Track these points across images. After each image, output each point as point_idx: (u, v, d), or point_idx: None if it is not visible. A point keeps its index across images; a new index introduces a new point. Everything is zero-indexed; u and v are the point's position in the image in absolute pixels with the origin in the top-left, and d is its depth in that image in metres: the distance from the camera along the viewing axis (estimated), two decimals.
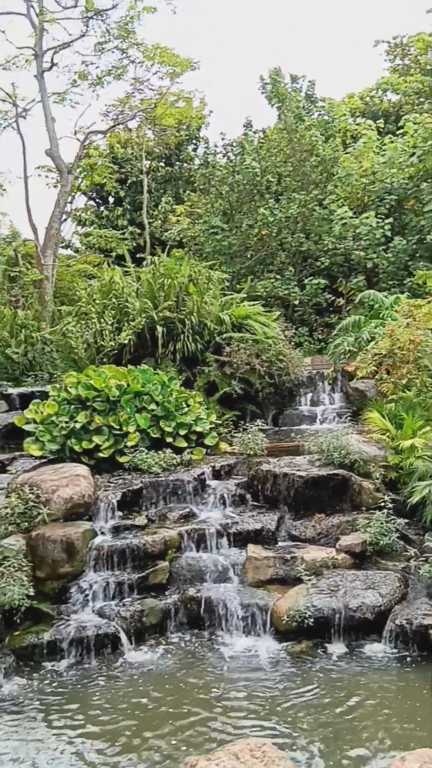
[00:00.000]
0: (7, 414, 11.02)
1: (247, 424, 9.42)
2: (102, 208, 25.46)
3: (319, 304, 16.57)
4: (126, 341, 10.78)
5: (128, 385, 9.11)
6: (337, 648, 6.16)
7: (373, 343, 9.82)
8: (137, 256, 20.86)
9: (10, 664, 5.99)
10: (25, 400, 11.37)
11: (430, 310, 9.32)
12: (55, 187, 20.51)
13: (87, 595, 6.67)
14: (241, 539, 7.43)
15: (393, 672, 5.79)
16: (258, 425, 9.25)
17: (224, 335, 11.70)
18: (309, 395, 12.34)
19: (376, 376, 9.27)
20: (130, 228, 22.71)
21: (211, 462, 8.81)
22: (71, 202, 20.00)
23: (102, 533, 7.27)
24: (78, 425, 8.64)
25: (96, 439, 8.61)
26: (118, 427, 8.73)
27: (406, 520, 7.33)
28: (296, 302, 16.09)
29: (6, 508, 7.31)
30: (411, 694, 5.45)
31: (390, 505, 7.29)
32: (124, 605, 6.58)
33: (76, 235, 24.97)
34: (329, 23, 38.35)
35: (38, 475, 7.82)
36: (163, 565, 6.97)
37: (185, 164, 25.52)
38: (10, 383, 12.30)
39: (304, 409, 12.15)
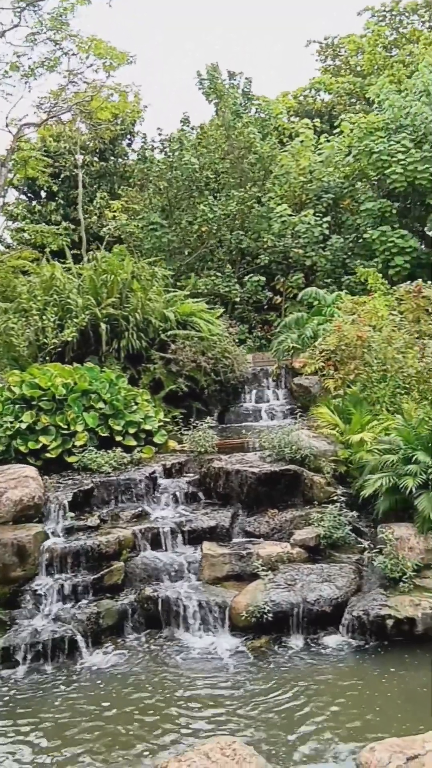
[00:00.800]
0: None
1: (197, 422, 9.38)
2: (34, 203, 24.87)
3: (259, 301, 16.67)
4: (70, 338, 10.56)
5: (75, 383, 8.93)
6: (296, 641, 6.20)
7: (320, 339, 9.95)
8: (72, 252, 20.53)
9: None
10: None
11: (374, 306, 9.49)
12: None
13: (41, 599, 6.51)
14: (195, 537, 7.40)
15: (352, 663, 5.87)
16: (208, 423, 9.22)
17: (169, 332, 11.62)
18: (254, 392, 12.43)
19: (323, 372, 9.37)
20: (64, 223, 22.26)
21: (161, 460, 8.73)
22: (4, 197, 19.42)
23: (54, 535, 7.10)
24: (23, 425, 8.42)
25: (43, 439, 8.40)
26: (65, 426, 8.54)
27: (358, 513, 7.44)
28: (237, 299, 16.13)
29: None
30: (371, 683, 5.54)
31: (342, 499, 7.40)
32: (79, 608, 6.46)
33: (7, 230, 24.31)
34: (269, 25, 38.69)
35: None
36: (118, 565, 6.87)
37: (120, 159, 25.21)
38: None
39: (249, 406, 12.22)
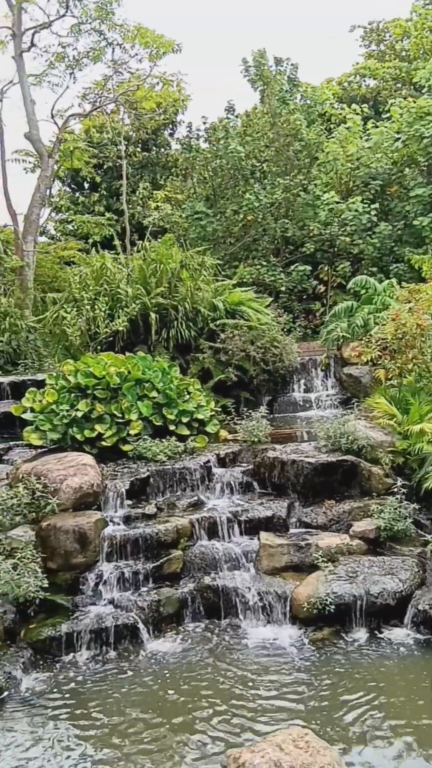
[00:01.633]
0: (0, 403, 10.76)
1: (249, 411, 9.32)
2: (77, 194, 25.02)
3: (304, 290, 16.52)
4: (121, 328, 10.58)
5: (129, 372, 8.94)
6: (359, 634, 6.13)
7: (376, 328, 9.79)
8: (113, 243, 20.61)
9: (27, 658, 5.84)
10: (15, 389, 11.14)
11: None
12: (33, 171, 20.04)
13: (102, 586, 6.54)
14: (251, 527, 7.36)
15: (418, 656, 5.78)
16: (261, 412, 9.16)
17: (218, 322, 11.58)
18: (302, 382, 12.32)
19: (378, 362, 9.22)
20: (108, 214, 22.36)
21: (214, 450, 8.70)
22: (50, 188, 19.55)
23: (113, 522, 7.13)
24: (80, 414, 8.46)
25: (98, 428, 8.44)
26: (120, 415, 8.56)
27: (418, 505, 7.31)
28: (282, 289, 15.99)
29: (12, 498, 7.12)
30: None
31: (402, 491, 7.27)
32: (140, 595, 6.47)
33: (51, 221, 24.51)
34: (311, 12, 38.17)
35: (42, 465, 7.62)
36: (176, 554, 6.87)
37: (162, 149, 25.20)
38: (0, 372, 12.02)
39: (298, 395, 12.12)
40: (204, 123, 18.65)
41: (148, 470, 7.91)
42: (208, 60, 36.16)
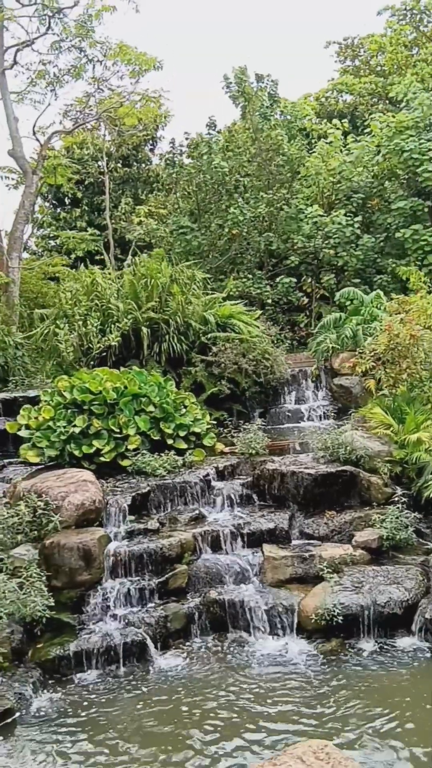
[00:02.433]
0: None
1: (246, 424, 9.37)
2: (59, 210, 25.02)
3: (290, 302, 16.64)
4: (114, 343, 10.57)
5: (125, 387, 8.93)
6: (367, 644, 6.16)
7: (370, 339, 9.90)
8: (96, 258, 20.60)
9: (37, 678, 5.78)
10: (7, 406, 11.05)
11: (422, 306, 9.44)
12: (16, 188, 20.04)
13: (107, 603, 6.50)
14: (254, 539, 7.37)
15: (427, 665, 5.81)
16: (258, 424, 9.20)
17: (209, 335, 11.62)
18: (293, 393, 12.39)
19: (372, 372, 9.32)
20: (90, 230, 22.38)
21: (212, 463, 8.72)
22: (34, 204, 19.50)
23: (116, 538, 7.10)
24: (77, 430, 8.44)
25: (96, 443, 8.41)
26: (117, 430, 8.55)
27: (419, 514, 7.37)
28: (268, 301, 16.10)
29: (13, 517, 7.07)
30: None
31: (403, 500, 7.33)
32: (147, 611, 6.45)
33: (32, 237, 24.46)
34: (285, 29, 38.61)
35: (42, 482, 7.58)
36: (181, 568, 6.85)
37: (143, 164, 25.31)
38: None
39: (290, 407, 12.18)
40: (186, 138, 18.79)
41: (148, 485, 7.90)
42: (187, 65, 36.45)
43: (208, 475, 8.27)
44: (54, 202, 25.32)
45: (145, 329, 11.15)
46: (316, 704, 5.35)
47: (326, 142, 17.99)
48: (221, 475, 8.51)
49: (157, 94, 18.48)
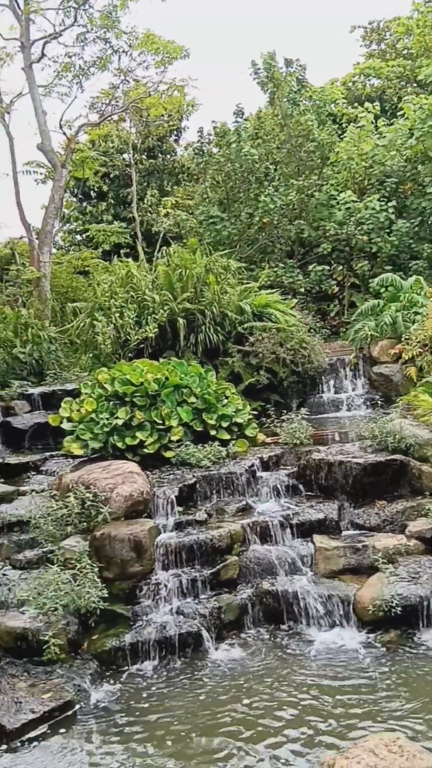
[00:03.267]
0: (31, 414, 10.70)
1: (291, 414, 9.25)
2: (84, 204, 25.02)
3: (322, 291, 16.44)
4: (152, 335, 10.51)
5: (166, 378, 8.87)
6: (427, 635, 6.03)
7: (415, 325, 9.72)
8: (122, 251, 20.55)
9: (94, 670, 5.75)
10: (46, 400, 11.09)
11: None
12: (44, 183, 20.05)
13: (160, 594, 6.44)
14: (303, 530, 7.27)
15: None
16: (302, 414, 9.09)
17: (246, 325, 11.51)
18: (331, 382, 12.25)
19: (418, 359, 9.14)
20: (116, 222, 22.35)
21: (256, 453, 8.63)
22: (63, 198, 19.50)
23: (165, 530, 7.05)
24: (120, 422, 8.40)
25: (139, 435, 8.37)
26: (160, 421, 8.49)
27: None
28: (301, 290, 15.93)
29: (63, 509, 7.06)
30: None
31: None
32: (200, 602, 6.38)
33: (59, 232, 24.49)
34: (308, 14, 38.26)
35: (88, 474, 7.55)
36: (232, 559, 6.78)
37: (168, 156, 25.18)
38: (27, 383, 11.95)
39: (328, 396, 12.06)
40: (214, 127, 18.61)
41: (194, 476, 7.83)
42: (208, 57, 36.19)
43: (253, 465, 8.19)
44: (80, 196, 25.33)
45: (181, 320, 11.07)
46: (379, 696, 5.24)
47: (357, 127, 17.72)
48: (266, 465, 8.42)
49: (184, 83, 18.29)
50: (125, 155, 24.02)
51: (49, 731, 5.03)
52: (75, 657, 5.87)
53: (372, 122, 17.80)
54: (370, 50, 28.12)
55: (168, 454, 8.37)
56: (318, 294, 16.69)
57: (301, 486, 8.11)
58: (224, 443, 8.62)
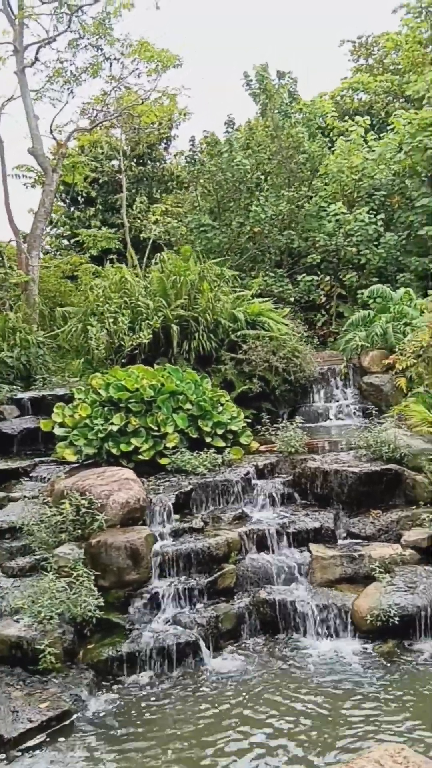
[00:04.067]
0: (21, 419, 10.59)
1: (286, 422, 9.25)
2: (72, 209, 24.96)
3: (311, 301, 16.52)
4: (146, 341, 10.46)
5: (162, 384, 8.83)
6: (425, 645, 6.02)
7: (410, 335, 9.77)
8: (109, 257, 20.49)
9: (91, 680, 5.67)
10: (36, 405, 10.97)
11: None
12: (33, 187, 19.95)
13: (157, 603, 6.38)
14: (300, 539, 7.25)
15: None
16: (297, 422, 9.10)
17: (239, 333, 11.50)
18: (322, 392, 12.26)
19: (409, 370, 9.19)
20: (104, 228, 22.31)
21: (251, 461, 8.61)
22: (53, 203, 19.42)
23: (161, 537, 6.99)
24: (114, 428, 8.34)
25: (134, 441, 8.31)
26: (156, 428, 8.44)
27: None
28: (291, 299, 15.98)
29: (58, 515, 6.98)
30: None
31: None
32: (198, 611, 6.33)
33: (47, 236, 24.37)
34: (296, 28, 38.64)
35: (82, 480, 7.47)
36: (229, 568, 6.74)
37: (157, 163, 25.22)
38: (16, 387, 11.83)
39: (319, 405, 12.06)
40: (205, 137, 18.66)
41: (190, 483, 7.79)
42: (202, 59, 36.39)
43: (248, 473, 8.16)
44: (68, 201, 25.26)
45: (174, 327, 11.02)
46: (380, 707, 5.23)
47: (347, 140, 17.87)
48: (261, 473, 8.40)
49: (177, 92, 18.34)
50: (114, 161, 24.03)
51: (47, 740, 4.95)
52: (71, 666, 5.79)
53: (361, 136, 17.97)
54: (358, 65, 28.46)
55: (163, 461, 8.32)
56: (306, 304, 16.76)
57: (296, 494, 8.10)
58: (219, 450, 8.59)
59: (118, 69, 19.52)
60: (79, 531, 6.98)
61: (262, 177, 17.43)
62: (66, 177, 19.44)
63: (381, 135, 17.77)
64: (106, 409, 8.60)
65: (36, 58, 17.10)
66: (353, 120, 18.25)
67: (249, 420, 10.56)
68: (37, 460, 9.52)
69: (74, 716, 5.24)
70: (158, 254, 13.31)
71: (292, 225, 17.06)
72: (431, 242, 15.45)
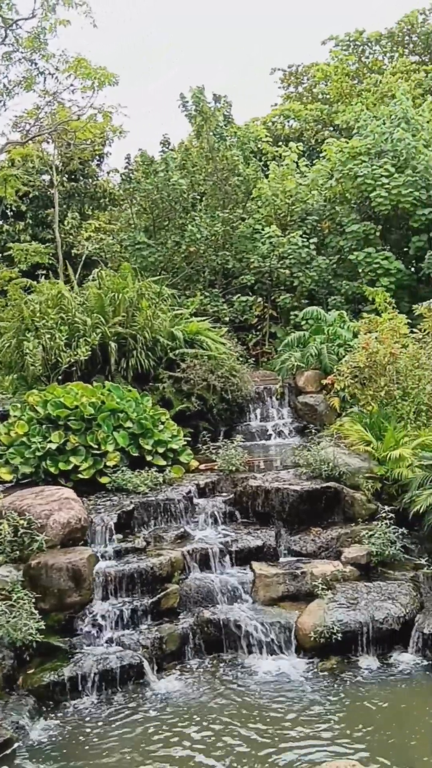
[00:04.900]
0: None
1: (226, 441, 9.30)
2: (1, 222, 24.46)
3: (246, 321, 16.70)
4: (83, 357, 10.31)
5: (103, 402, 8.71)
6: (367, 661, 6.12)
7: (348, 356, 9.99)
8: (37, 273, 20.15)
9: (32, 706, 5.49)
10: None
11: (394, 326, 9.62)
12: None
13: (99, 625, 6.25)
14: (242, 557, 7.27)
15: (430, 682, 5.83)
16: (238, 441, 9.15)
17: (177, 351, 11.49)
18: (258, 411, 12.38)
19: (345, 390, 9.41)
20: (34, 243, 21.96)
21: (192, 479, 8.59)
22: None
23: (104, 558, 6.86)
24: (53, 446, 8.16)
25: (74, 460, 8.15)
26: (96, 446, 8.31)
27: (405, 530, 7.42)
28: (226, 319, 16.11)
29: None
30: None
31: (390, 516, 7.36)
32: (141, 633, 6.23)
33: None
34: (226, 54, 39.39)
35: (20, 500, 7.27)
36: (173, 588, 6.67)
37: (90, 180, 25.07)
38: None
39: (255, 424, 12.16)
40: (141, 155, 18.69)
41: (131, 502, 7.69)
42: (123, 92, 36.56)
43: (190, 492, 8.14)
44: None
45: (112, 344, 10.92)
46: (324, 724, 5.26)
47: (280, 165, 18.28)
48: (202, 492, 8.39)
49: (113, 110, 18.29)
50: (45, 176, 23.75)
51: None
52: (10, 693, 5.59)
53: (294, 161, 18.43)
54: (288, 92, 29.27)
55: (103, 479, 8.19)
56: (239, 324, 16.93)
57: (237, 512, 8.11)
58: (160, 469, 8.53)
59: (52, 84, 19.41)
60: (17, 552, 6.77)
61: (198, 197, 17.59)
62: None
63: (313, 161, 18.27)
64: (44, 426, 8.42)
65: None
66: (287, 146, 18.68)
67: (188, 439, 10.56)
68: None
69: (15, 745, 5.05)
70: (95, 270, 13.21)
71: (226, 246, 17.27)
72: (360, 267, 15.92)
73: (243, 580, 6.96)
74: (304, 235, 16.77)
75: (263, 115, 26.07)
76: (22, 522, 6.79)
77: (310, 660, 6.17)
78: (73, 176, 24.62)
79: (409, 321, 10.91)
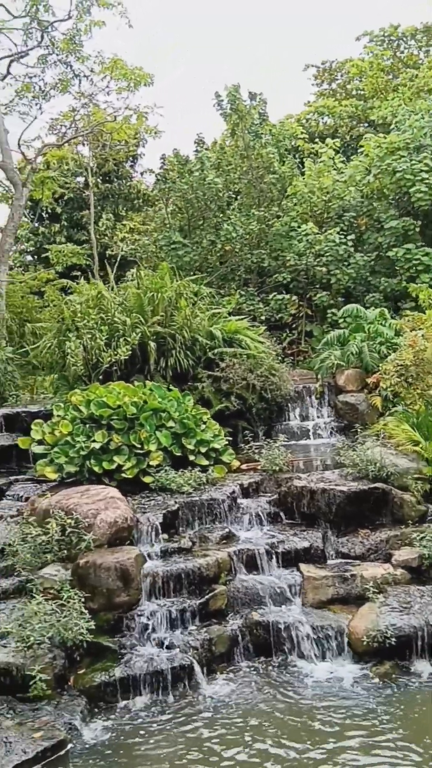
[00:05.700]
0: None
1: (268, 440, 9.20)
2: (37, 225, 24.68)
3: (281, 319, 16.58)
4: (124, 357, 10.29)
5: (145, 401, 8.67)
6: (423, 667, 5.97)
7: (393, 354, 9.83)
8: (72, 273, 20.27)
9: (84, 706, 5.45)
10: (10, 422, 10.69)
11: None
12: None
13: (149, 626, 6.20)
14: (289, 559, 7.16)
15: None
16: (281, 440, 9.05)
17: (216, 350, 11.42)
18: (297, 410, 12.24)
19: (387, 389, 9.23)
20: (69, 245, 22.11)
21: (235, 479, 8.51)
22: (20, 218, 19.14)
23: (150, 558, 6.81)
24: (97, 445, 8.14)
25: (117, 459, 8.13)
26: (139, 446, 8.28)
27: None
28: (262, 318, 16.01)
29: (42, 535, 6.74)
30: None
31: None
32: (191, 634, 6.16)
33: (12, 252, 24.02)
34: (261, 53, 39.23)
35: (66, 499, 7.25)
36: (220, 589, 6.60)
37: (124, 181, 25.17)
38: None
39: (295, 424, 12.02)
40: (175, 155, 18.68)
41: (176, 502, 7.63)
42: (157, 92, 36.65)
43: (234, 492, 8.05)
44: (32, 216, 24.98)
45: (152, 343, 10.89)
46: (383, 731, 5.14)
47: (319, 161, 18.11)
48: (245, 492, 8.30)
49: (148, 110, 18.32)
50: (80, 178, 23.90)
51: None
52: (62, 693, 5.56)
53: (331, 158, 18.24)
54: (321, 89, 29.03)
55: (147, 479, 8.15)
56: (275, 323, 16.81)
57: (281, 513, 8.01)
58: (203, 469, 8.47)
59: (87, 85, 19.51)
60: (65, 551, 6.76)
61: (233, 196, 17.50)
62: (35, 192, 19.21)
63: (348, 158, 18.06)
64: (87, 426, 8.41)
65: (8, 72, 16.90)
66: (323, 142, 18.50)
67: (228, 438, 10.49)
68: (12, 478, 9.26)
69: (69, 746, 5.01)
70: (132, 270, 13.20)
71: (262, 244, 17.16)
72: (399, 264, 15.67)
73: (291, 582, 6.84)
74: (341, 232, 16.57)
75: (297, 113, 25.91)
76: (69, 521, 6.77)
77: (363, 665, 6.04)
78: (107, 178, 24.75)
79: None
